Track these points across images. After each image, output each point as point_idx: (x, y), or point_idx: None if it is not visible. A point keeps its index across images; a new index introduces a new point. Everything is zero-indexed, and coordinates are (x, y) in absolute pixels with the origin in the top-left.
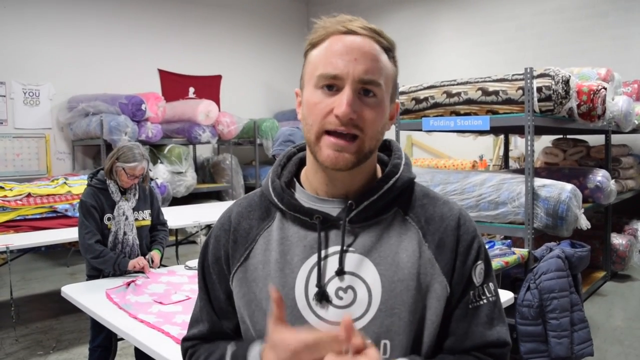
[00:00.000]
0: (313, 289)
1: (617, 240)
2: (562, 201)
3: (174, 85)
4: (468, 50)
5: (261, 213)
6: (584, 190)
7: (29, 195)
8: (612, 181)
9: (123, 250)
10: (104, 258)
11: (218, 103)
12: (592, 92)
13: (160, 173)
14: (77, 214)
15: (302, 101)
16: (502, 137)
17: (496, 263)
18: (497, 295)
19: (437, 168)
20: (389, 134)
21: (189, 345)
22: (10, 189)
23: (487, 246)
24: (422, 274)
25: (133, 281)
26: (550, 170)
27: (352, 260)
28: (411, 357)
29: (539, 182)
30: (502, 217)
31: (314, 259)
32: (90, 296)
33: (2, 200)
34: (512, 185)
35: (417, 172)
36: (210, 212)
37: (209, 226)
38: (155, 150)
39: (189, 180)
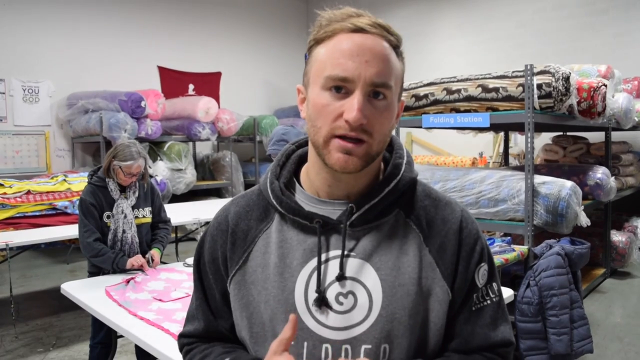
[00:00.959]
0: (313, 294)
1: (617, 237)
2: (562, 198)
3: (174, 82)
4: (468, 47)
5: (259, 213)
6: (583, 188)
7: (28, 192)
8: (612, 178)
9: (122, 248)
10: (102, 257)
11: (218, 100)
12: (592, 89)
13: (160, 170)
14: (77, 211)
15: (307, 100)
16: (502, 134)
17: (496, 260)
18: (500, 294)
19: (437, 165)
20: None
21: (185, 342)
22: (10, 186)
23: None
24: (423, 278)
25: (132, 278)
26: (550, 167)
27: (353, 265)
28: None
29: (538, 179)
30: (502, 214)
31: (313, 263)
32: (90, 293)
33: (2, 197)
34: (512, 183)
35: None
36: (210, 209)
37: (208, 223)
38: (155, 148)
39: (189, 177)
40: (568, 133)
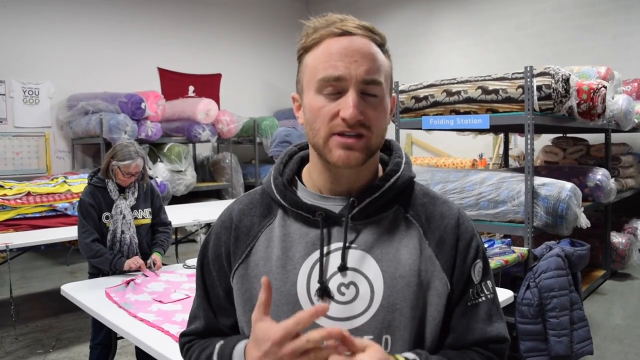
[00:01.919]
0: (315, 285)
1: (617, 238)
2: (562, 200)
3: (174, 83)
4: (468, 49)
5: (262, 210)
6: (583, 189)
7: (28, 194)
8: (612, 180)
9: (121, 249)
10: (100, 258)
11: (218, 101)
12: (592, 91)
13: (160, 172)
14: (77, 213)
15: (303, 106)
16: (501, 135)
17: (496, 262)
18: (495, 292)
19: (436, 167)
20: (389, 133)
21: (186, 340)
22: (10, 188)
23: (486, 245)
24: (422, 270)
25: (132, 280)
26: (550, 169)
27: (354, 256)
28: (416, 352)
29: (538, 180)
30: (502, 216)
31: (315, 255)
32: (90, 295)
33: (2, 199)
34: (511, 184)
35: (417, 170)
36: (210, 211)
37: (208, 225)
38: (155, 149)
39: (189, 178)
40: (568, 135)
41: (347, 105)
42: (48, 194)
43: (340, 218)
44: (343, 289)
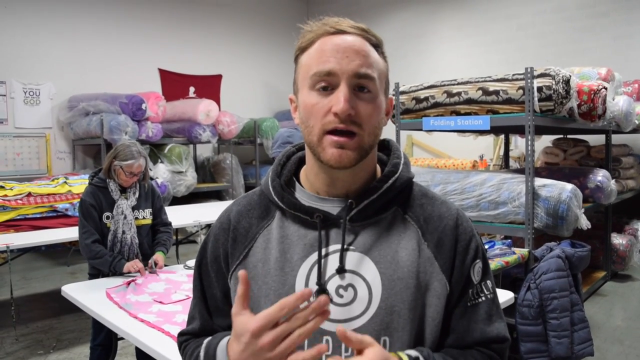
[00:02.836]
0: (313, 287)
1: (618, 240)
2: (563, 201)
3: (175, 84)
4: (468, 50)
5: (261, 212)
6: (584, 190)
7: (29, 194)
8: (613, 181)
9: (122, 250)
10: (100, 259)
11: (218, 102)
12: (592, 92)
13: (161, 172)
14: (78, 214)
15: (299, 105)
16: (502, 136)
17: (496, 263)
18: (494, 292)
19: (437, 168)
20: (390, 134)
21: (183, 339)
22: (11, 188)
23: (487, 246)
24: (421, 272)
25: (133, 280)
26: (551, 170)
27: (352, 258)
28: (419, 349)
29: (539, 181)
30: (503, 217)
31: (314, 257)
32: (91, 295)
33: (3, 199)
34: (512, 185)
35: (417, 171)
36: (211, 212)
37: (209, 225)
38: (156, 150)
39: (189, 179)
40: (568, 136)
41: (339, 100)
42: (49, 194)
43: (339, 220)
44: (341, 291)
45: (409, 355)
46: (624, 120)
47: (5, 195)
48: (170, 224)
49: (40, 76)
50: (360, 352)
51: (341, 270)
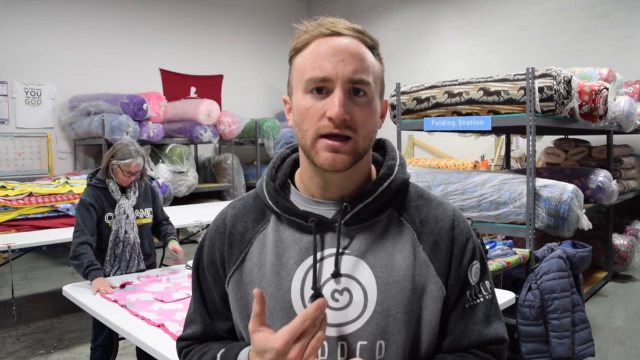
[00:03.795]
0: (309, 291)
1: (619, 240)
2: (564, 201)
3: (176, 84)
4: (470, 50)
5: (256, 215)
6: (585, 191)
7: (30, 194)
8: (614, 181)
9: (124, 249)
10: (78, 262)
11: (219, 103)
12: (593, 92)
13: (162, 173)
14: (74, 212)
15: (292, 107)
16: (503, 137)
17: (497, 263)
18: (493, 292)
19: (438, 168)
20: (391, 134)
21: (183, 345)
22: (12, 188)
23: (488, 246)
24: (417, 275)
25: (129, 283)
26: (552, 171)
27: (347, 262)
28: None
29: (540, 182)
30: (504, 217)
31: (309, 261)
32: (92, 295)
33: (4, 199)
34: (513, 186)
35: (418, 172)
36: (212, 212)
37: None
38: (157, 150)
39: (190, 180)
40: (570, 136)
41: (333, 104)
42: (50, 194)
43: (333, 224)
44: (337, 295)
45: None
46: (625, 121)
47: (7, 195)
48: (168, 218)
49: (42, 76)
50: None
51: (336, 275)
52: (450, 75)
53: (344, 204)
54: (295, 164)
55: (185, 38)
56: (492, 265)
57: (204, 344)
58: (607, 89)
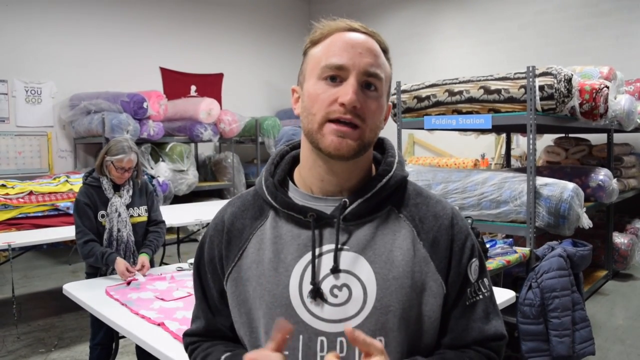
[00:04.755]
0: (307, 287)
1: (619, 239)
2: (564, 200)
3: (176, 83)
4: (470, 48)
5: (254, 212)
6: (586, 189)
7: (30, 193)
8: (614, 180)
9: (118, 248)
10: (92, 257)
11: (220, 101)
12: (594, 91)
13: (162, 171)
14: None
15: (303, 95)
16: (504, 135)
17: (498, 262)
18: (491, 290)
19: (438, 166)
20: (391, 133)
21: (189, 341)
22: (12, 187)
23: (488, 245)
24: (416, 272)
25: (134, 279)
26: (552, 169)
27: (346, 258)
28: (415, 358)
29: (540, 180)
30: (504, 216)
31: (307, 257)
32: (92, 294)
33: (4, 198)
34: (514, 184)
35: (419, 170)
36: (212, 210)
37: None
38: (157, 149)
39: (191, 178)
40: (570, 135)
41: (347, 91)
42: (50, 193)
43: (332, 219)
44: (336, 291)
45: None
46: (626, 119)
47: (7, 194)
48: (163, 221)
49: (42, 75)
50: (368, 354)
51: (335, 270)
52: (450, 73)
53: (343, 199)
54: (294, 161)
55: (185, 36)
56: (493, 263)
57: (209, 343)
58: (608, 87)
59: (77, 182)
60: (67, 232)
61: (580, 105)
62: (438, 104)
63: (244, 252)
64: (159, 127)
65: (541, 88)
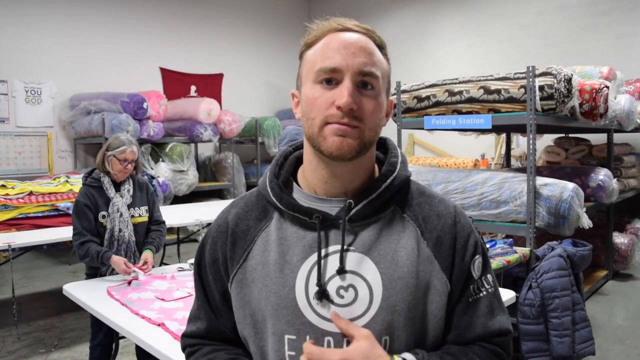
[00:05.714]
0: (314, 288)
1: (619, 239)
2: (564, 200)
3: (176, 83)
4: (470, 48)
5: (259, 213)
6: (585, 189)
7: (30, 193)
8: (614, 180)
9: (119, 248)
10: (88, 257)
11: (220, 101)
12: (594, 91)
13: (162, 171)
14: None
15: (301, 99)
16: (504, 135)
17: (498, 262)
18: (495, 285)
19: (438, 167)
20: (391, 133)
21: (188, 343)
22: (12, 187)
23: (488, 245)
24: (421, 271)
25: (135, 279)
26: (552, 169)
27: (352, 259)
28: (414, 352)
29: (540, 180)
30: (504, 216)
31: (313, 258)
32: (92, 294)
33: (4, 198)
34: (513, 184)
35: (419, 170)
36: (212, 211)
37: (210, 224)
38: (157, 149)
39: (191, 178)
40: (570, 135)
41: (342, 94)
42: (50, 193)
43: (338, 220)
44: (342, 291)
45: (403, 359)
46: (626, 119)
47: (7, 194)
48: (163, 222)
49: (42, 75)
50: (353, 338)
51: (342, 271)
52: (450, 73)
53: (348, 200)
54: (298, 162)
55: (185, 37)
56: (493, 264)
57: (210, 347)
58: (608, 87)
59: (77, 183)
60: (67, 233)
61: (580, 105)
62: (438, 104)
63: (249, 253)
64: (159, 127)
65: (541, 88)
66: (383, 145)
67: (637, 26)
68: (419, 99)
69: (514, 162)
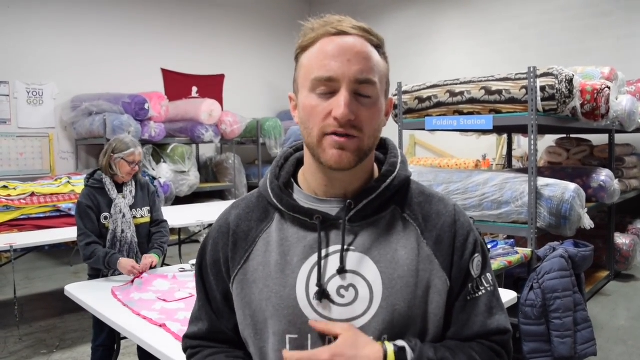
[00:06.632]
0: (314, 288)
1: (621, 239)
2: (566, 201)
3: (177, 84)
4: (471, 49)
5: (260, 214)
6: (587, 190)
7: (32, 194)
8: (616, 181)
9: (121, 249)
10: (94, 259)
11: (221, 102)
12: (595, 92)
13: (164, 172)
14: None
15: (298, 105)
16: (505, 136)
17: (499, 262)
18: (494, 285)
19: (440, 167)
20: (392, 134)
21: (190, 344)
22: (14, 188)
23: (490, 246)
24: (421, 270)
25: (138, 277)
26: (554, 170)
27: (353, 258)
28: (407, 339)
29: (542, 181)
30: (505, 217)
31: (314, 258)
32: (94, 295)
33: (6, 199)
34: (515, 185)
35: (420, 171)
36: (213, 212)
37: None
38: (159, 150)
39: (192, 179)
40: (571, 135)
41: (339, 104)
42: (52, 194)
43: (338, 221)
44: (342, 291)
45: (395, 345)
46: (628, 120)
47: (9, 195)
48: (165, 221)
49: (44, 76)
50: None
51: (342, 271)
52: (451, 74)
53: (348, 200)
54: (299, 163)
55: (186, 38)
56: (494, 264)
57: (211, 350)
58: (609, 88)
59: (78, 184)
60: (69, 233)
61: (582, 105)
62: (439, 104)
63: (251, 254)
64: (161, 128)
65: (542, 89)
66: (383, 145)
67: (638, 27)
68: (420, 100)
69: (516, 163)
